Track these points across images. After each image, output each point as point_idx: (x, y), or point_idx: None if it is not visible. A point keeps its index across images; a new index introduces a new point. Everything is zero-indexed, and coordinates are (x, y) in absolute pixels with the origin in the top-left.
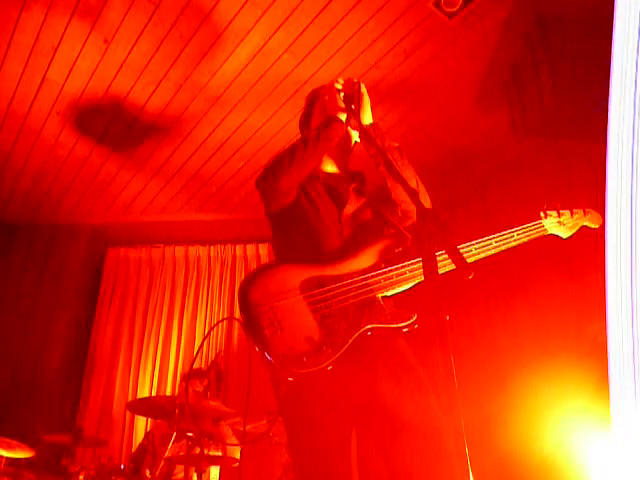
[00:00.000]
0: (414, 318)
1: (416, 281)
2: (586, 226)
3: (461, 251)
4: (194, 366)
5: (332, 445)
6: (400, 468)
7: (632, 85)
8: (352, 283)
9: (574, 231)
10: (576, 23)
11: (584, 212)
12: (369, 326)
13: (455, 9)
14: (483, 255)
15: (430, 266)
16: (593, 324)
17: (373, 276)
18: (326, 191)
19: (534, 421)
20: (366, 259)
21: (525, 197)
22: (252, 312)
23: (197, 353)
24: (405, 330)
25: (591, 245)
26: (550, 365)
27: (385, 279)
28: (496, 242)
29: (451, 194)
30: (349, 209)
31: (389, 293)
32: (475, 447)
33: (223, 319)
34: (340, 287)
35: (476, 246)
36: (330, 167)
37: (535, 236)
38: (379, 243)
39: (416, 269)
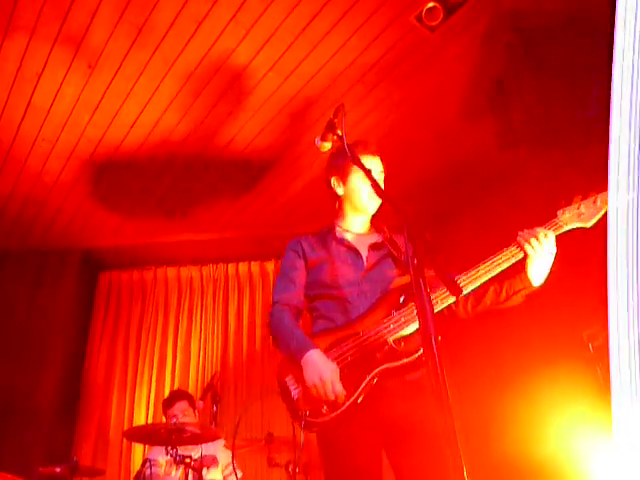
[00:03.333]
0: (421, 351)
1: None
2: None
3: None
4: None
5: (361, 466)
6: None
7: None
8: (365, 334)
9: (599, 215)
10: (556, 31)
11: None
12: (380, 368)
13: (437, 22)
14: (497, 270)
15: (419, 287)
16: (590, 328)
17: (384, 323)
18: (346, 254)
19: (535, 427)
20: (379, 312)
21: (517, 207)
22: (282, 382)
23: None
24: (417, 362)
25: (588, 248)
26: (550, 371)
27: (395, 322)
28: (505, 256)
29: (442, 207)
30: (366, 268)
31: (401, 334)
32: (476, 453)
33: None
34: (355, 341)
35: (485, 265)
36: (356, 227)
37: (557, 234)
38: (390, 293)
39: None
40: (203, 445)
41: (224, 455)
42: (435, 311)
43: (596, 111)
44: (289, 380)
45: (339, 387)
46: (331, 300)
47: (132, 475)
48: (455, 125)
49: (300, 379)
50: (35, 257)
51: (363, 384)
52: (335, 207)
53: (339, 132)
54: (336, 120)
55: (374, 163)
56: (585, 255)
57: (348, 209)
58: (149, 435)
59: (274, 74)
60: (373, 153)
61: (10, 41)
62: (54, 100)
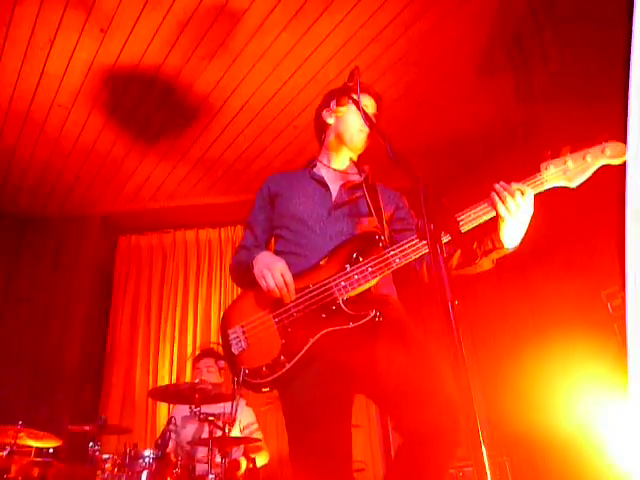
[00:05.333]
0: (372, 314)
1: (378, 278)
2: (607, 165)
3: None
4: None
5: (326, 425)
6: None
7: None
8: (314, 290)
9: (587, 175)
10: None
11: (602, 149)
12: (325, 331)
13: None
14: (476, 223)
15: (436, 253)
16: (609, 288)
17: (335, 279)
18: (314, 188)
19: (550, 389)
20: (333, 264)
21: (533, 165)
22: (224, 335)
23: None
24: (365, 326)
25: (604, 209)
26: (569, 330)
27: (346, 280)
28: (475, 214)
29: (459, 166)
30: (332, 206)
31: (352, 294)
32: (491, 414)
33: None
34: (302, 296)
35: (469, 213)
36: (336, 163)
37: (535, 191)
38: (348, 243)
39: (378, 264)
40: (225, 404)
41: (246, 414)
42: (394, 268)
43: (616, 65)
44: (232, 333)
45: (289, 276)
46: (292, 234)
47: (158, 432)
48: (473, 83)
49: (251, 334)
50: (56, 223)
51: (305, 347)
52: (320, 141)
53: (354, 96)
54: (351, 84)
55: (370, 103)
56: (606, 214)
57: (333, 142)
58: (173, 394)
59: (287, 34)
60: (371, 94)
61: (21, 8)
62: (68, 66)
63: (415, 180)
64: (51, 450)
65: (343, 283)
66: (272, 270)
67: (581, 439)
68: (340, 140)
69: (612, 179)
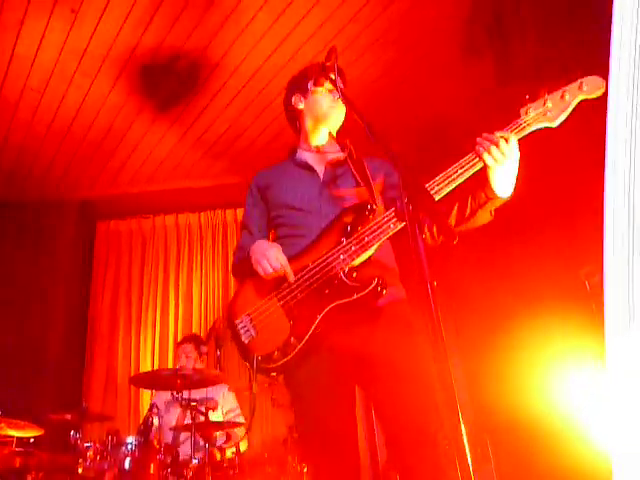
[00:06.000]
0: (374, 283)
1: (375, 245)
2: (585, 100)
3: (428, 187)
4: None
5: (332, 407)
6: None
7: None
8: (314, 268)
9: (567, 112)
10: None
11: (579, 85)
12: (331, 305)
13: None
14: (466, 176)
15: (414, 233)
16: (587, 266)
17: (333, 254)
18: (300, 172)
19: (529, 367)
20: (329, 239)
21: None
22: (232, 326)
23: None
24: (369, 296)
25: (582, 186)
26: (547, 308)
27: (344, 252)
28: (462, 168)
29: (439, 146)
30: (321, 185)
31: (354, 263)
32: (472, 394)
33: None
34: (303, 275)
35: (439, 180)
36: (314, 143)
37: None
38: (340, 217)
39: (373, 232)
40: (207, 389)
41: (229, 399)
42: (390, 234)
43: (596, 47)
44: (239, 323)
45: (282, 258)
46: (288, 221)
47: (141, 419)
48: (453, 62)
49: (259, 320)
50: (33, 209)
51: (313, 326)
52: (296, 129)
53: (332, 76)
54: (329, 63)
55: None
56: (584, 191)
57: (309, 124)
58: (154, 381)
59: (263, 14)
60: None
61: None
62: (38, 48)
63: (392, 158)
64: (32, 440)
65: (342, 256)
66: (266, 255)
67: (559, 417)
68: (316, 120)
69: (589, 154)
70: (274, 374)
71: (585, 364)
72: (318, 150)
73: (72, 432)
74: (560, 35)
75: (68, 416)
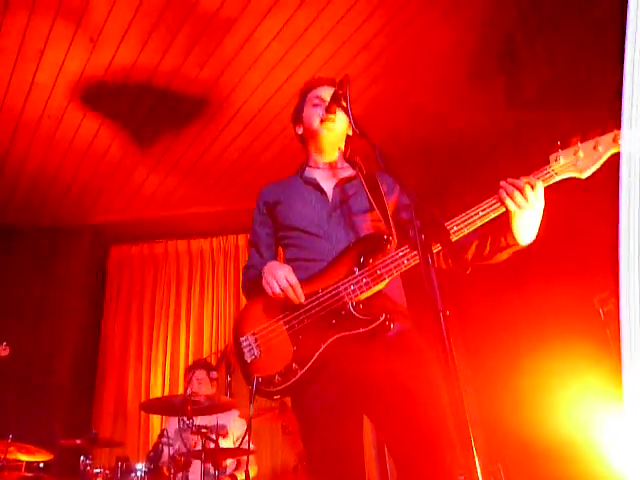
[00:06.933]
0: (382, 318)
1: (387, 280)
2: (617, 154)
3: (449, 228)
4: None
5: (339, 434)
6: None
7: None
8: (323, 296)
9: (598, 165)
10: None
11: (613, 137)
12: (336, 336)
13: None
14: (486, 220)
15: (427, 263)
16: (601, 293)
17: (343, 283)
18: (310, 192)
19: (544, 395)
20: (341, 268)
21: (526, 170)
22: (236, 343)
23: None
24: (376, 331)
25: (596, 214)
26: (562, 335)
27: (355, 284)
28: (483, 211)
29: (448, 171)
30: (330, 207)
31: (361, 297)
32: (486, 423)
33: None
34: (312, 302)
35: (458, 221)
36: (322, 161)
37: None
38: (355, 246)
39: (387, 265)
40: (217, 415)
41: (238, 424)
42: (403, 270)
43: (607, 71)
44: (244, 341)
45: (292, 278)
46: (297, 242)
47: (151, 445)
48: (464, 89)
49: (263, 341)
50: (47, 234)
51: (316, 354)
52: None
53: (344, 103)
54: (341, 92)
55: (329, 93)
56: (597, 219)
57: (311, 146)
58: (165, 407)
59: (278, 43)
60: (329, 84)
61: (10, 17)
62: (58, 76)
63: (406, 190)
64: (42, 464)
65: (352, 287)
66: (275, 275)
67: (574, 444)
68: (313, 139)
69: (604, 183)
70: (277, 397)
71: (601, 391)
72: (327, 167)
73: (82, 457)
74: (571, 61)
75: (78, 441)
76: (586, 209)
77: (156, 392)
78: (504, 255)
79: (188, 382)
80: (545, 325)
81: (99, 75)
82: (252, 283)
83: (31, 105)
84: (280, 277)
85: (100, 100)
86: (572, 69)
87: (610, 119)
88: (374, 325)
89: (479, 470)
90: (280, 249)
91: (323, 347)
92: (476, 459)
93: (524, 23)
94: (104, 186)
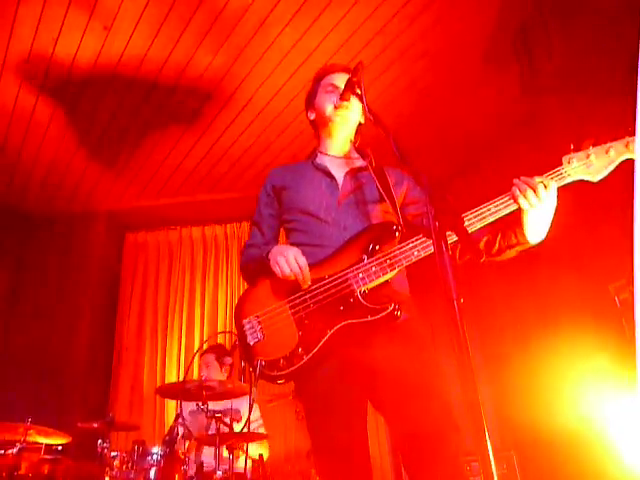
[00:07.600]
0: (391, 307)
1: (396, 270)
2: (629, 159)
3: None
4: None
5: (343, 419)
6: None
7: None
8: (331, 282)
9: (610, 169)
10: None
11: (626, 143)
12: (343, 323)
13: None
14: (498, 216)
15: (441, 251)
16: (617, 281)
17: (352, 271)
18: (320, 179)
19: (557, 383)
20: (349, 254)
21: (540, 155)
22: (238, 325)
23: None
24: (384, 320)
25: (611, 201)
26: (574, 326)
27: (364, 272)
28: (495, 207)
29: (463, 157)
30: (341, 194)
31: (370, 286)
32: (498, 409)
33: (223, 332)
34: (319, 287)
35: (470, 216)
36: (334, 149)
37: (558, 184)
38: (364, 234)
39: (396, 256)
40: (232, 400)
41: (252, 410)
42: (413, 261)
43: (622, 58)
44: (247, 323)
45: (302, 260)
46: (303, 227)
47: (166, 429)
48: (478, 75)
49: (268, 325)
50: (63, 220)
51: (323, 340)
52: (318, 138)
53: (358, 91)
54: (355, 79)
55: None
56: (612, 206)
57: (322, 132)
58: (180, 391)
59: (291, 29)
60: (344, 71)
61: (25, 7)
62: (71, 65)
63: (417, 175)
64: (60, 447)
65: (361, 275)
66: (286, 256)
67: (587, 433)
68: (325, 125)
69: (619, 171)
70: (281, 381)
71: (614, 380)
72: (339, 155)
73: (99, 441)
74: (585, 47)
75: (95, 425)
76: (603, 194)
77: (171, 377)
78: (512, 252)
79: (199, 366)
80: (558, 313)
81: (112, 63)
82: (253, 263)
83: (46, 94)
84: (290, 258)
85: (112, 89)
86: (586, 56)
87: (624, 112)
88: (383, 314)
89: (491, 455)
90: (282, 233)
91: (330, 333)
92: (489, 444)
93: (539, 8)
94: (119, 173)
